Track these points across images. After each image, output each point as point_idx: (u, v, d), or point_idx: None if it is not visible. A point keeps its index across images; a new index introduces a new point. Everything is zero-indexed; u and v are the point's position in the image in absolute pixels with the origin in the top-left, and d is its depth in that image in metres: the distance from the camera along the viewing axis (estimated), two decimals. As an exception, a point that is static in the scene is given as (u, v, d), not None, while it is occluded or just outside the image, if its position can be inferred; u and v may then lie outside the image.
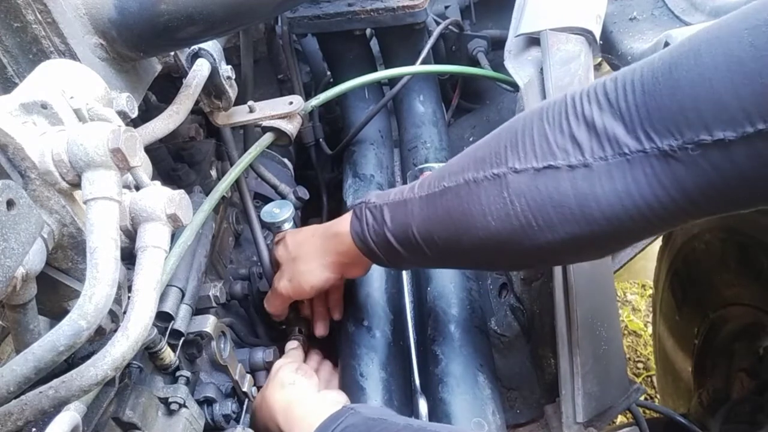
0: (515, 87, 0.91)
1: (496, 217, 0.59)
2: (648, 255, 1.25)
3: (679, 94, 0.48)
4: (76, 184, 0.42)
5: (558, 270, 0.76)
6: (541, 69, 0.84)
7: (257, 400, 0.77)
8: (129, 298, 0.43)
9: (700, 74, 0.47)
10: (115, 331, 0.42)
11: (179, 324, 0.66)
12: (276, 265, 0.86)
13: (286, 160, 1.12)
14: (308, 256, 0.80)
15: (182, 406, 0.63)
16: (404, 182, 1.11)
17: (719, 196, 0.51)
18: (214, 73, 0.71)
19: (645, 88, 0.51)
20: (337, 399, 0.74)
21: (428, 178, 0.68)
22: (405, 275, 0.96)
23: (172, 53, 0.69)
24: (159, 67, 0.68)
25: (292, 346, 0.87)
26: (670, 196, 0.51)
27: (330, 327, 0.89)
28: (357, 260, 0.76)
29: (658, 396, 1.74)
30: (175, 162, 0.85)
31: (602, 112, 0.54)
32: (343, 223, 0.75)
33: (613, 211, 0.54)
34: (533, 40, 0.89)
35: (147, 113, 0.74)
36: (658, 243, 1.36)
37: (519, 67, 0.87)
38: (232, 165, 0.84)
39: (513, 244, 0.60)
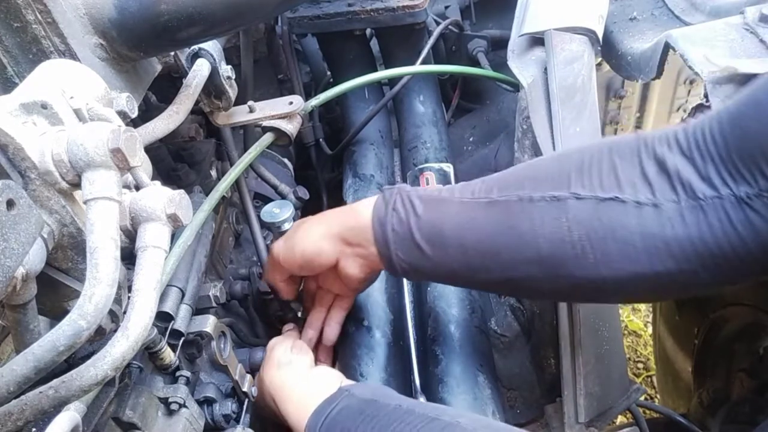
0: (515, 87, 0.91)
1: (549, 241, 0.58)
2: (648, 255, 1.25)
3: (747, 144, 0.49)
4: (76, 184, 0.42)
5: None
6: (545, 69, 0.84)
7: (258, 380, 0.76)
8: (129, 298, 0.43)
9: (763, 123, 0.48)
10: (115, 331, 0.42)
11: (179, 324, 0.66)
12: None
13: (286, 160, 1.12)
14: (314, 223, 0.76)
15: (182, 406, 0.63)
16: (404, 182, 1.11)
17: None
18: (214, 73, 0.71)
19: (716, 137, 0.51)
20: (332, 376, 0.73)
21: (472, 185, 0.66)
22: (405, 275, 0.96)
23: (172, 53, 0.69)
24: (159, 67, 0.68)
25: (288, 327, 0.86)
26: (744, 244, 0.50)
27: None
28: (362, 246, 0.71)
29: (658, 396, 1.74)
30: (175, 162, 0.85)
31: (674, 156, 0.53)
32: (366, 202, 0.71)
33: (684, 255, 0.53)
34: (537, 40, 0.89)
35: (147, 113, 0.74)
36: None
37: (523, 67, 0.87)
38: (231, 165, 0.84)
39: (561, 271, 0.58)
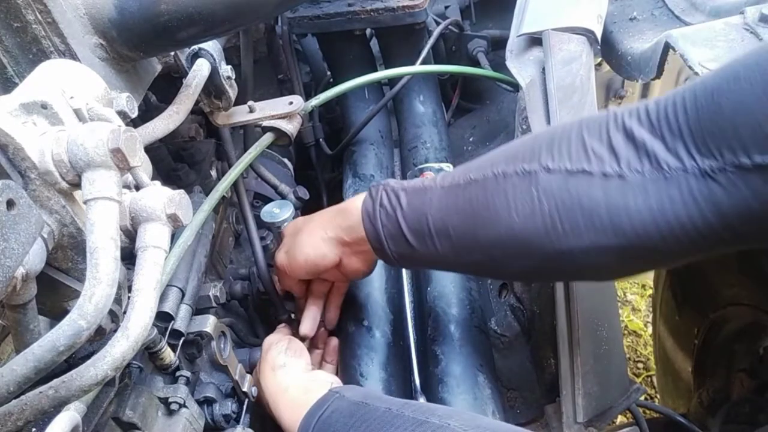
0: (515, 87, 0.91)
1: (522, 214, 0.59)
2: (648, 255, 1.25)
3: (719, 119, 0.49)
4: (76, 184, 0.42)
5: (558, 270, 0.76)
6: (543, 69, 0.84)
7: (255, 379, 0.77)
8: (129, 298, 0.43)
9: (739, 99, 0.48)
10: (115, 331, 0.42)
11: (179, 324, 0.66)
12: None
13: (286, 160, 1.12)
14: (311, 229, 0.77)
15: (182, 406, 0.63)
16: (404, 182, 1.11)
17: (756, 222, 0.50)
18: (214, 73, 0.71)
19: (687, 110, 0.51)
20: (327, 380, 0.74)
21: (454, 171, 0.67)
22: (405, 275, 0.96)
23: (172, 53, 0.69)
24: (159, 67, 0.68)
25: (282, 326, 0.86)
26: (704, 217, 0.51)
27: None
28: (359, 243, 0.73)
29: (658, 396, 1.74)
30: (175, 162, 0.85)
31: (642, 128, 0.54)
32: (356, 200, 0.73)
33: (645, 227, 0.53)
34: (535, 40, 0.89)
35: (147, 113, 0.74)
36: (658, 243, 1.36)
37: (521, 67, 0.87)
38: (230, 165, 0.84)
39: (534, 245, 0.59)
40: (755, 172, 0.47)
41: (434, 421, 0.58)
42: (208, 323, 0.69)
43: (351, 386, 0.73)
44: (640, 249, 0.55)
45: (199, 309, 0.73)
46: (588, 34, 0.86)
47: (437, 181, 0.67)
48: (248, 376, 0.75)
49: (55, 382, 0.40)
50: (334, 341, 0.87)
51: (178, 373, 0.66)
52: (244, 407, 0.73)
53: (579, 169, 0.56)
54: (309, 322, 0.83)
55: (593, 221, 0.55)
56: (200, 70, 0.70)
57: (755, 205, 0.48)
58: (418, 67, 1.06)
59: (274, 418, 0.74)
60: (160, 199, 0.45)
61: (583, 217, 0.56)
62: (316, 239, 0.76)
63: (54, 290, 0.45)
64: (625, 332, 2.09)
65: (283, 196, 0.97)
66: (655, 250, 0.55)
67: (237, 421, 0.71)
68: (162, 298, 0.66)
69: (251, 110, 0.82)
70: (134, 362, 0.61)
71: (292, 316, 0.89)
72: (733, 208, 0.49)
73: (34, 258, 0.40)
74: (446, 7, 1.25)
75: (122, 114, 0.53)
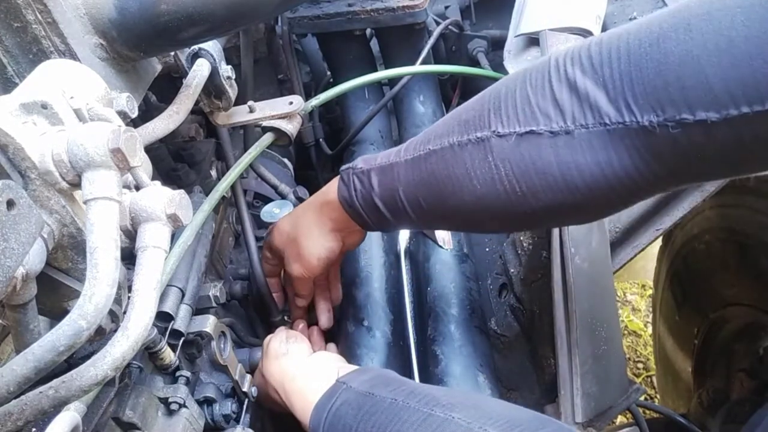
0: (515, 87, 0.91)
1: (482, 181, 0.59)
2: (648, 255, 1.26)
3: (664, 70, 0.47)
4: (76, 184, 0.42)
5: (557, 270, 0.76)
6: (541, 69, 0.84)
7: (257, 376, 0.78)
8: (129, 298, 0.43)
9: (688, 51, 0.46)
10: (115, 331, 0.42)
11: (179, 324, 0.66)
12: (273, 258, 0.85)
13: (286, 160, 1.12)
14: (308, 231, 0.80)
15: (182, 406, 0.63)
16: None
17: (698, 169, 0.51)
18: (214, 73, 0.71)
19: (631, 57, 0.50)
20: (331, 362, 0.75)
21: (414, 141, 0.68)
22: (405, 275, 0.96)
23: (172, 53, 0.69)
24: (159, 67, 0.68)
25: (281, 329, 0.87)
26: (650, 168, 0.52)
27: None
28: (350, 227, 0.77)
29: (658, 396, 1.74)
30: (175, 162, 0.85)
31: (585, 76, 0.53)
32: (331, 190, 0.76)
33: (595, 181, 0.54)
34: (533, 41, 0.90)
35: (147, 113, 0.74)
36: (658, 243, 1.36)
37: (519, 68, 0.87)
38: (228, 166, 0.84)
39: (497, 208, 0.60)
40: (696, 126, 0.46)
41: (438, 413, 0.58)
42: (208, 323, 0.69)
43: (358, 372, 0.74)
44: (593, 201, 0.56)
45: (199, 309, 0.73)
46: (586, 34, 0.86)
47: (401, 154, 0.68)
48: (248, 376, 0.75)
49: (55, 382, 0.40)
50: (332, 347, 0.88)
51: (178, 373, 0.66)
52: (244, 407, 0.73)
53: (528, 131, 0.56)
54: (325, 315, 0.88)
55: (548, 181, 0.56)
56: (200, 70, 0.69)
57: (695, 155, 0.49)
58: (418, 67, 1.06)
59: (279, 408, 0.75)
60: (160, 199, 0.45)
61: (538, 177, 0.56)
62: (317, 238, 0.79)
63: (54, 290, 0.45)
64: (625, 332, 2.09)
65: (283, 196, 0.97)
66: (607, 200, 0.56)
67: (237, 421, 0.71)
68: (162, 298, 0.66)
69: (251, 110, 0.82)
70: (134, 362, 0.61)
71: (285, 318, 0.90)
72: (675, 159, 0.50)
73: (34, 258, 0.40)
74: (446, 7, 1.25)
75: (122, 114, 0.53)
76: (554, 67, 0.56)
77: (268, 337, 0.81)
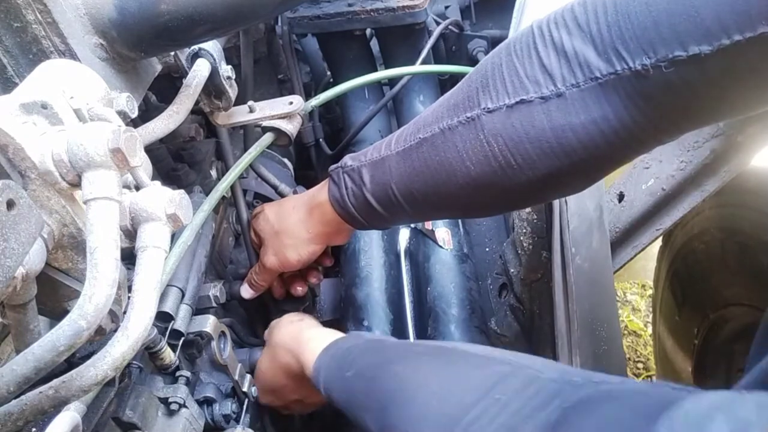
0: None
1: (475, 161, 0.59)
2: (648, 255, 1.25)
3: (654, 10, 0.47)
4: (76, 184, 0.42)
5: (558, 270, 0.76)
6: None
7: (259, 362, 0.80)
8: (129, 298, 0.43)
9: (649, 7, 0.47)
10: (115, 331, 0.41)
11: (179, 324, 0.66)
12: (257, 238, 0.86)
13: (286, 160, 1.12)
14: (292, 230, 0.80)
15: (182, 406, 0.63)
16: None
17: (692, 111, 0.51)
18: (214, 73, 0.71)
19: (618, 7, 0.50)
20: (339, 332, 0.77)
21: (404, 131, 0.68)
22: (405, 275, 0.96)
23: (172, 53, 0.69)
24: (159, 67, 0.68)
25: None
26: (645, 116, 0.51)
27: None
28: (340, 228, 0.77)
29: (658, 396, 1.73)
30: (175, 162, 0.85)
31: (572, 37, 0.53)
32: (323, 192, 0.76)
33: (591, 139, 0.54)
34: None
35: (147, 113, 0.74)
36: (658, 243, 1.36)
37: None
38: (228, 166, 0.84)
39: (494, 186, 0.60)
40: (689, 62, 0.46)
41: (447, 346, 0.61)
42: (208, 323, 0.69)
43: (367, 332, 0.76)
44: (591, 161, 0.56)
45: (199, 309, 0.73)
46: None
47: (392, 146, 0.68)
48: (248, 376, 0.75)
49: (55, 382, 0.40)
50: None
51: (178, 373, 0.66)
52: (244, 407, 0.73)
53: (517, 101, 0.55)
54: (302, 287, 0.88)
55: (543, 148, 0.55)
56: (200, 70, 0.69)
57: (689, 94, 0.49)
58: (418, 67, 1.06)
59: (278, 404, 0.77)
60: (160, 199, 0.45)
61: (533, 146, 0.56)
62: (301, 240, 0.79)
63: (54, 290, 0.45)
64: (625, 332, 2.09)
65: (283, 196, 0.97)
66: (604, 158, 0.56)
67: (237, 421, 0.71)
68: (162, 298, 0.66)
69: (251, 110, 0.82)
70: (134, 362, 0.61)
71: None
72: (668, 101, 0.50)
73: (34, 258, 0.40)
74: (446, 7, 1.25)
75: (122, 114, 0.53)
76: (538, 34, 0.55)
77: (274, 321, 0.83)
